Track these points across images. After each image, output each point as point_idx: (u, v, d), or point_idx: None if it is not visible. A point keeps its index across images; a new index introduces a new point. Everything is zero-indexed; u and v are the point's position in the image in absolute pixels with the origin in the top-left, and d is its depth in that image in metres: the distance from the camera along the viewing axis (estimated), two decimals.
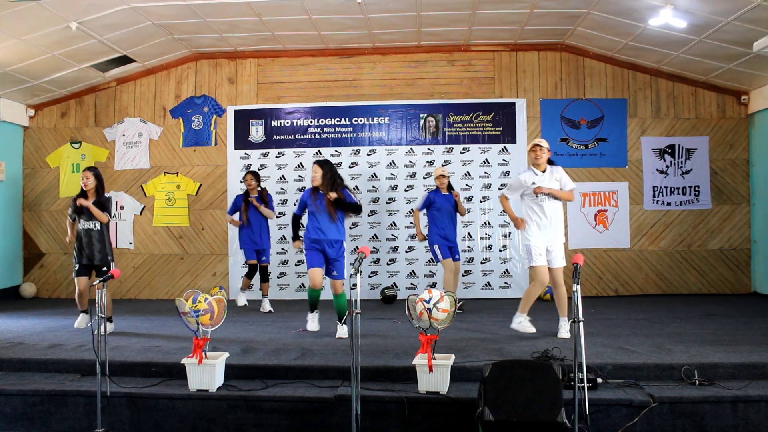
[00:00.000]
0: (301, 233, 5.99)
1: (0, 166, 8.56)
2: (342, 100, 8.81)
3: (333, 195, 5.65)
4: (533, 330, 5.67)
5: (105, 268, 5.97)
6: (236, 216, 7.54)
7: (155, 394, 4.35)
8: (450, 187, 7.32)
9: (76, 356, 4.96)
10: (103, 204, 6.09)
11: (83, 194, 6.08)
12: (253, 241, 7.50)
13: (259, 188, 7.56)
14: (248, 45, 8.59)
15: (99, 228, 6.08)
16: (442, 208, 7.18)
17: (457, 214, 7.32)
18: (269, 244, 7.70)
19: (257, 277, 7.70)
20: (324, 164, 5.81)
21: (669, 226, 8.59)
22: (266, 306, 7.54)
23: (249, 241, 7.51)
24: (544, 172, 5.62)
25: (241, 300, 7.85)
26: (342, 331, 5.75)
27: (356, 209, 5.81)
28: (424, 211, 7.38)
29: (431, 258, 8.62)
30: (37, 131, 9.11)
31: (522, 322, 5.71)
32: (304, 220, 5.99)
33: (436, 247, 7.15)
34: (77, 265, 6.08)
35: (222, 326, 4.60)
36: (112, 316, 6.18)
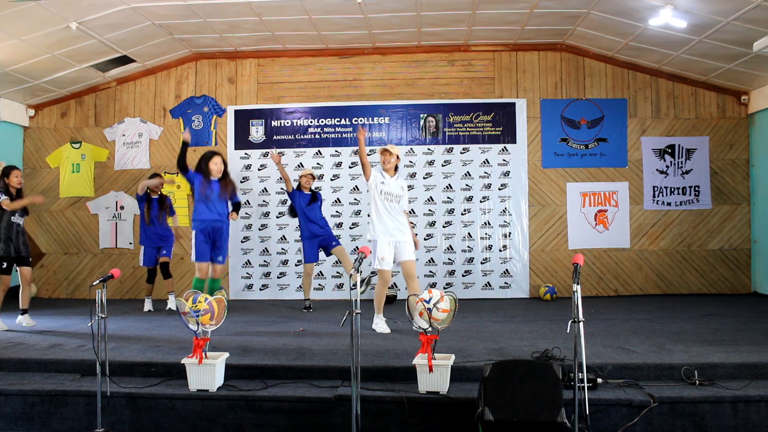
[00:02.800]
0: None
1: (0, 166, 8.54)
2: (342, 100, 8.81)
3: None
4: (389, 330, 5.81)
5: (30, 260, 6.59)
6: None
7: (155, 394, 4.35)
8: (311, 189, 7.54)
9: (76, 356, 4.96)
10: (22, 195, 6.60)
11: (8, 192, 6.35)
12: (159, 239, 7.51)
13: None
14: (248, 45, 8.59)
15: (22, 222, 6.52)
16: (304, 207, 7.37)
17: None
18: (172, 235, 7.73)
19: (159, 277, 7.68)
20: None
21: (669, 226, 8.59)
22: (173, 304, 7.43)
23: (154, 239, 7.50)
24: (392, 177, 5.87)
25: (147, 304, 7.62)
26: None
27: (239, 205, 6.74)
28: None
29: (431, 258, 8.63)
30: (37, 131, 9.11)
31: (379, 324, 5.90)
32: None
33: (302, 247, 7.49)
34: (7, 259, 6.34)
35: (222, 326, 4.60)
36: (28, 309, 6.53)
